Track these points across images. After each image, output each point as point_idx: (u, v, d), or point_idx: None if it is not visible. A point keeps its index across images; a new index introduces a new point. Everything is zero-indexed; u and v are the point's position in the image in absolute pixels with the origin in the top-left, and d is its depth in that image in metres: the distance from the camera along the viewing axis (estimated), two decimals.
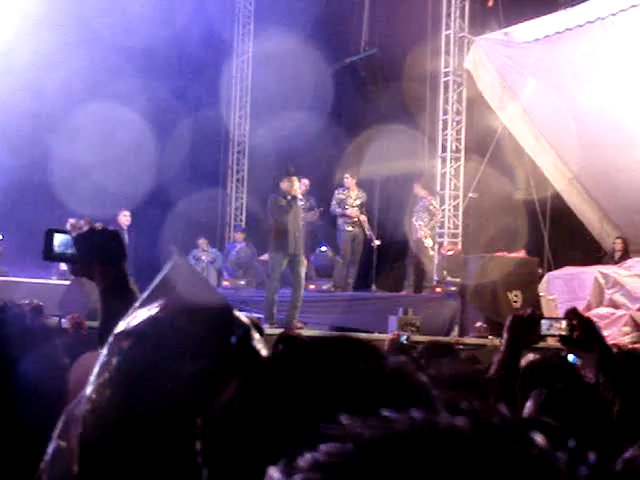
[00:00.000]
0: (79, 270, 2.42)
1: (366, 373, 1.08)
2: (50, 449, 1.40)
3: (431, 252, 15.20)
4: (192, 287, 1.42)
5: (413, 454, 0.70)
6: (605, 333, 3.96)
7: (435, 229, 15.73)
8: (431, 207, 15.34)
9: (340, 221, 15.62)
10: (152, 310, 1.36)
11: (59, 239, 2.42)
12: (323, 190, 16.44)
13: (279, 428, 1.00)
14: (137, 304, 1.40)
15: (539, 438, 0.73)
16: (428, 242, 15.08)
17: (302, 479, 0.72)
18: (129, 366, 1.32)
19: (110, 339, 1.35)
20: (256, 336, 1.39)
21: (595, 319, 3.75)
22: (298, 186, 13.01)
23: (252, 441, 1.03)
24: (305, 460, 0.73)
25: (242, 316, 1.40)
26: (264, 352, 1.38)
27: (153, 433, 1.30)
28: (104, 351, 1.35)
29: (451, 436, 0.72)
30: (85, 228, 2.38)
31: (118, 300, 2.20)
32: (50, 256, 2.45)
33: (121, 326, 1.36)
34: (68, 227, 2.40)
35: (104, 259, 2.34)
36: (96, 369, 1.35)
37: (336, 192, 15.69)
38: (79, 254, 2.37)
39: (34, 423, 1.72)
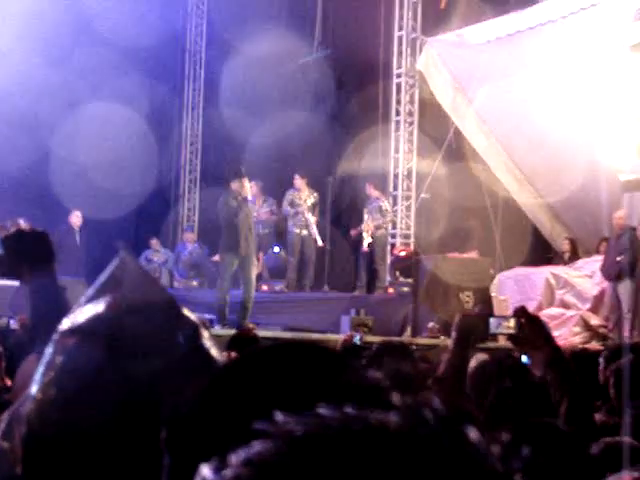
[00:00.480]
0: (6, 271, 2.39)
1: (342, 388, 1.05)
2: None
3: (365, 248, 15.23)
4: (139, 284, 1.40)
5: (343, 450, 0.70)
6: (556, 333, 3.99)
7: (387, 229, 15.78)
8: (383, 208, 15.41)
9: (290, 222, 15.67)
10: (98, 307, 1.34)
11: None
12: (277, 191, 16.46)
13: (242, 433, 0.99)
14: (83, 300, 1.38)
15: (472, 432, 0.73)
16: (367, 239, 15.13)
17: (232, 474, 0.71)
18: (74, 364, 1.30)
19: (54, 336, 1.33)
20: (205, 334, 1.38)
21: (546, 319, 3.77)
22: (248, 186, 13.00)
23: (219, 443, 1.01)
24: (236, 457, 0.72)
25: (190, 314, 1.39)
26: (214, 351, 1.36)
27: (99, 433, 1.28)
28: (48, 349, 1.33)
29: (382, 432, 0.71)
30: (12, 229, 2.36)
31: (47, 301, 2.18)
32: None
33: (66, 323, 1.34)
34: None
35: (32, 260, 2.32)
36: (41, 368, 1.33)
37: (287, 193, 15.72)
38: (7, 255, 2.35)
39: None
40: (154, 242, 18.25)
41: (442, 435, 0.71)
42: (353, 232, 15.50)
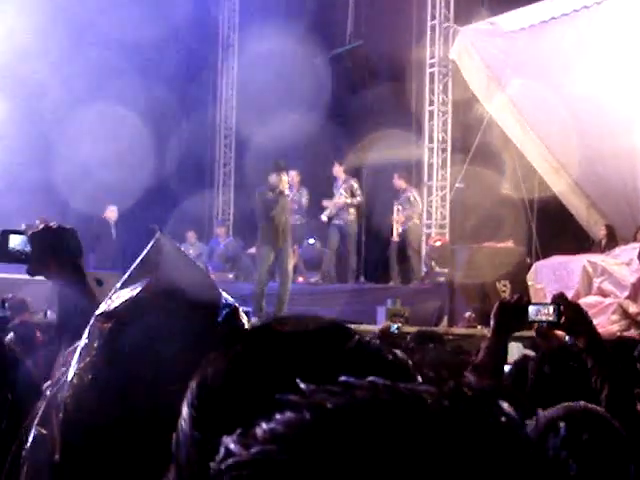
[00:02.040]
0: (35, 269, 2.39)
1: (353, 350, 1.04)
2: (30, 437, 1.37)
3: (395, 238, 15.23)
4: (176, 266, 1.38)
5: (376, 422, 0.67)
6: (594, 322, 3.94)
7: (414, 220, 15.70)
8: (411, 198, 15.39)
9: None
10: (134, 290, 1.32)
11: (15, 240, 2.40)
12: (312, 183, 16.46)
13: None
14: (118, 285, 1.37)
15: (507, 406, 0.71)
16: (396, 229, 15.12)
17: (259, 451, 0.68)
18: (110, 349, 1.29)
19: (91, 321, 1.32)
20: (243, 316, 1.36)
21: (584, 308, 3.73)
22: (286, 180, 13.05)
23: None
24: (262, 430, 0.68)
25: (228, 296, 1.37)
26: None
27: (136, 418, 1.27)
28: (85, 334, 1.32)
29: (416, 403, 0.69)
30: (40, 227, 2.35)
31: (75, 297, 2.18)
32: (5, 257, 2.43)
33: (102, 307, 1.33)
34: (23, 228, 2.39)
35: (60, 256, 2.31)
36: (77, 354, 1.32)
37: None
38: (35, 252, 2.34)
39: None
40: (190, 234, 18.29)
41: (479, 407, 0.69)
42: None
